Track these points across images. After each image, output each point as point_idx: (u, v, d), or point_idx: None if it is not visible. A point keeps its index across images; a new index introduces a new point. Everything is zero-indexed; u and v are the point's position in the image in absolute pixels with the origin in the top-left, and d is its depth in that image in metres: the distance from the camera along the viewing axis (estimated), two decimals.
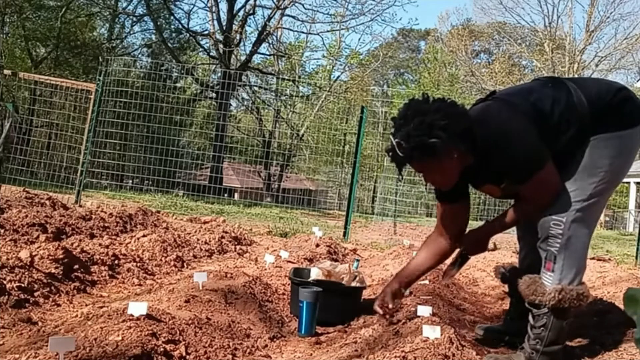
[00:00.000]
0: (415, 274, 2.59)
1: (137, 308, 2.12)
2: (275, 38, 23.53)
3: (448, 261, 2.65)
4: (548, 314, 2.21)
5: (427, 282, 3.73)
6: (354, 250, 6.08)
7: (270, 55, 25.28)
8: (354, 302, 3.01)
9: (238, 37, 21.40)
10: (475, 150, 2.20)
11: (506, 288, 2.90)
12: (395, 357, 1.95)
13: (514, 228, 2.58)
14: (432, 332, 2.08)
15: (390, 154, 2.20)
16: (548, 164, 2.17)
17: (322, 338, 2.59)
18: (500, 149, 2.17)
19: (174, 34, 23.40)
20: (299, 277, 3.05)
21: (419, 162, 2.19)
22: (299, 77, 26.69)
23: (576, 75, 22.10)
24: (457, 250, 2.53)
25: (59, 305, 2.68)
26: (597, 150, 2.19)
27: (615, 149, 2.20)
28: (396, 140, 2.15)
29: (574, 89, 2.24)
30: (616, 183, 2.32)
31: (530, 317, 2.29)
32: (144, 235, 4.31)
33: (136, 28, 24.25)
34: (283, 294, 3.32)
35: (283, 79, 25.27)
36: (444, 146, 2.12)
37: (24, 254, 2.90)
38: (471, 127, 2.18)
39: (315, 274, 2.97)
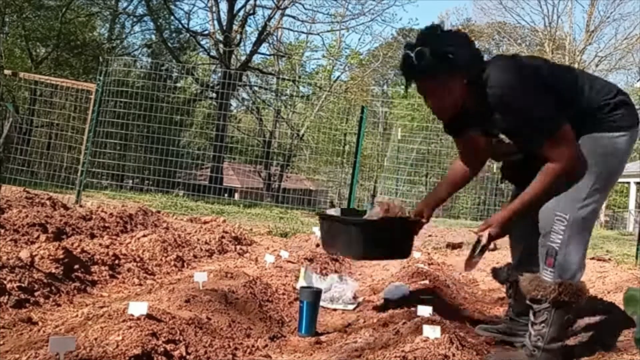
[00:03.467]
0: (440, 196, 2.81)
1: (138, 308, 2.12)
2: (275, 38, 23.54)
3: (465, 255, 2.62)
4: (549, 309, 2.22)
5: (427, 282, 3.73)
6: None
7: (270, 55, 25.28)
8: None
9: (238, 37, 21.39)
10: (483, 95, 2.20)
11: (505, 288, 2.90)
12: (395, 357, 1.96)
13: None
14: (432, 332, 2.08)
15: (405, 66, 2.24)
16: (565, 125, 2.17)
17: (322, 338, 2.59)
18: (516, 102, 2.17)
19: (174, 34, 23.38)
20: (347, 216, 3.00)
21: (432, 77, 2.23)
22: (299, 77, 26.68)
23: None
24: (475, 239, 2.47)
25: (59, 305, 2.68)
26: (592, 148, 2.21)
27: (606, 148, 2.21)
28: (417, 49, 2.19)
29: (581, 75, 2.33)
30: (611, 184, 2.34)
31: (531, 315, 2.30)
32: (144, 235, 4.31)
33: (136, 28, 24.27)
34: (283, 294, 3.32)
35: (283, 79, 25.25)
36: (457, 65, 2.19)
37: (24, 254, 2.90)
38: (484, 68, 2.22)
39: (375, 213, 2.80)
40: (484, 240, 2.36)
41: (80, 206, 6.55)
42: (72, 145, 9.86)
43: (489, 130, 2.39)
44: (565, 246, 2.20)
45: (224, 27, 21.13)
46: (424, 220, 2.76)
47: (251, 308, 2.75)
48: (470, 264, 2.51)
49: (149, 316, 2.10)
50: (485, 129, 2.41)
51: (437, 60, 2.16)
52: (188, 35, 22.65)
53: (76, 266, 3.14)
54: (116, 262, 3.56)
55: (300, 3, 21.72)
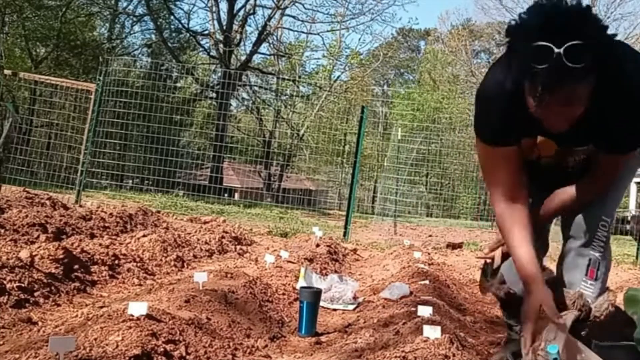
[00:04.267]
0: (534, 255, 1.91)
1: (137, 308, 2.12)
2: (275, 38, 23.54)
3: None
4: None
5: (427, 282, 3.73)
6: (354, 250, 6.08)
7: (270, 55, 25.28)
8: None
9: (238, 37, 21.40)
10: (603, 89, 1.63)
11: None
12: (396, 357, 1.95)
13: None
14: (432, 332, 2.08)
15: (550, 65, 1.48)
16: None
17: (322, 338, 2.59)
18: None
19: (174, 34, 23.39)
20: None
21: (586, 82, 1.55)
22: (299, 77, 26.67)
23: None
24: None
25: (59, 305, 2.68)
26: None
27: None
28: (574, 45, 1.47)
29: None
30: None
31: None
32: (144, 235, 4.31)
33: (136, 28, 24.26)
34: (283, 294, 3.32)
35: (283, 79, 25.24)
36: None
37: (24, 254, 2.90)
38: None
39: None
40: (497, 262, 2.10)
41: (80, 206, 6.55)
42: (72, 145, 9.87)
43: (565, 135, 1.76)
44: (605, 255, 1.97)
45: (224, 27, 21.14)
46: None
47: (251, 308, 2.75)
48: (484, 287, 2.27)
49: (148, 316, 2.10)
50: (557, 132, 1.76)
51: (597, 59, 1.52)
52: (188, 35, 22.67)
53: (76, 266, 3.14)
54: (116, 262, 3.56)
55: (300, 3, 21.74)
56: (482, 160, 1.94)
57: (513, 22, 1.61)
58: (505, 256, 2.12)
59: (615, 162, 1.87)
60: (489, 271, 2.19)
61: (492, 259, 2.16)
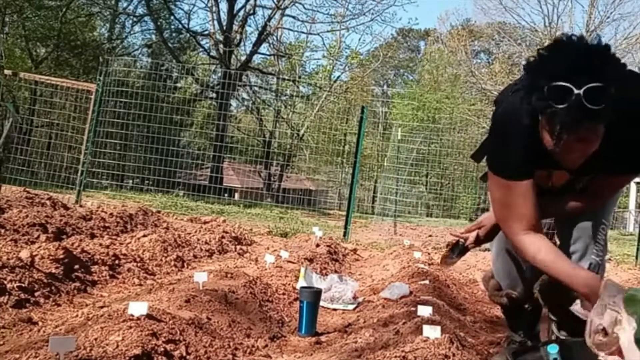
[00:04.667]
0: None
1: (138, 308, 2.12)
2: (275, 38, 23.53)
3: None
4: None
5: (427, 282, 3.73)
6: (354, 250, 6.09)
7: (270, 55, 25.26)
8: None
9: (238, 37, 21.39)
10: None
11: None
12: (396, 357, 1.96)
13: None
14: (432, 332, 2.08)
15: (570, 105, 1.50)
16: None
17: (322, 338, 2.60)
18: None
19: (174, 34, 23.40)
20: None
21: (604, 121, 1.58)
22: (299, 77, 26.67)
23: None
24: (453, 238, 2.30)
25: (59, 305, 2.69)
26: None
27: None
28: (594, 85, 1.50)
29: None
30: None
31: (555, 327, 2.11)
32: (144, 235, 4.31)
33: (136, 28, 24.26)
34: (283, 294, 3.33)
35: (283, 79, 25.23)
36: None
37: (24, 254, 2.90)
38: None
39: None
40: (470, 243, 2.21)
41: (81, 206, 6.55)
42: (72, 145, 9.87)
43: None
44: (604, 258, 1.98)
45: (224, 27, 21.13)
46: None
47: (251, 308, 2.75)
48: (446, 262, 2.35)
49: (149, 316, 2.10)
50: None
51: (614, 100, 1.54)
52: (188, 35, 22.67)
53: (76, 266, 3.14)
54: (116, 262, 3.56)
55: (300, 3, 21.73)
56: (498, 196, 1.90)
57: (532, 59, 1.64)
58: (480, 241, 2.18)
59: (625, 180, 1.91)
60: (457, 249, 2.25)
61: (466, 239, 2.22)
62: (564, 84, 1.51)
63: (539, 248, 1.80)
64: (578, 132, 1.56)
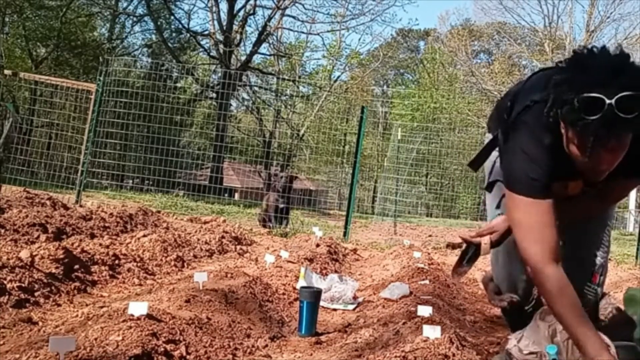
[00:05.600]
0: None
1: (138, 308, 2.12)
2: (275, 38, 23.51)
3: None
4: None
5: (427, 282, 3.73)
6: (354, 250, 6.08)
7: (270, 55, 25.26)
8: None
9: (238, 37, 21.39)
10: None
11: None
12: (396, 357, 1.96)
13: None
14: (432, 332, 2.08)
15: (602, 116, 1.50)
16: None
17: (322, 338, 2.60)
18: None
19: (174, 34, 23.38)
20: None
21: (636, 130, 1.58)
22: (299, 77, 26.67)
23: None
24: (464, 245, 2.12)
25: (59, 305, 2.68)
26: None
27: None
28: (626, 93, 1.49)
29: None
30: None
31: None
32: (144, 235, 4.31)
33: (136, 28, 24.25)
34: (283, 294, 3.33)
35: (283, 79, 25.23)
36: None
37: (24, 254, 2.90)
38: None
39: None
40: (484, 250, 2.02)
41: (81, 206, 6.55)
42: (72, 145, 9.86)
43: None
44: (607, 260, 1.99)
45: (224, 27, 21.13)
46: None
47: (251, 308, 2.75)
48: (458, 272, 2.16)
49: (149, 316, 2.10)
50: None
51: None
52: (188, 35, 22.66)
53: (76, 266, 3.14)
54: (116, 262, 3.56)
55: (300, 3, 21.73)
56: (519, 216, 1.80)
57: (550, 72, 1.64)
58: (493, 246, 2.04)
59: (634, 184, 1.91)
60: (468, 256, 2.08)
61: (478, 245, 2.05)
62: (595, 94, 1.49)
63: (561, 289, 1.70)
64: (610, 143, 1.55)
